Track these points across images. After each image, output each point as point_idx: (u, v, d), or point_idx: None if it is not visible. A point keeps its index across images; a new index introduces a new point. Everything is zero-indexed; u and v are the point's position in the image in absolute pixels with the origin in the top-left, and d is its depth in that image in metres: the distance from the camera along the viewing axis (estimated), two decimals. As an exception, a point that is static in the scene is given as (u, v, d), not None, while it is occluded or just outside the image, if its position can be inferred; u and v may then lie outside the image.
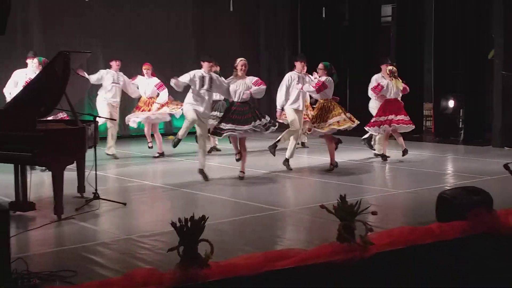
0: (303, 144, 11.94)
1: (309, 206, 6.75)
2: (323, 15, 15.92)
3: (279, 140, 9.37)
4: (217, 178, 8.62)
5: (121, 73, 10.65)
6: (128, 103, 12.16)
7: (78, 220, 6.16)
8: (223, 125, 8.31)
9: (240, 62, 8.52)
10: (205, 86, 8.39)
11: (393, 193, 7.68)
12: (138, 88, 10.86)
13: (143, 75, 10.83)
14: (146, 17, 14.12)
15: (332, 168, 9.16)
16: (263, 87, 8.46)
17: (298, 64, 9.40)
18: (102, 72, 10.54)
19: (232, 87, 8.43)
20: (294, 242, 5.35)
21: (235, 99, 8.43)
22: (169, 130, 13.73)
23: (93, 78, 10.15)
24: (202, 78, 8.39)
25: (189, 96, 8.50)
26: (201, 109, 8.39)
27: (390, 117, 9.93)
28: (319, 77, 9.29)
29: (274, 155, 9.38)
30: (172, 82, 8.39)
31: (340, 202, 4.35)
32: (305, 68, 9.49)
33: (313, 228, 6.05)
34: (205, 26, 15.05)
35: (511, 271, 4.83)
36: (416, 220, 5.86)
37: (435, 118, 13.76)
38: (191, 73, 8.49)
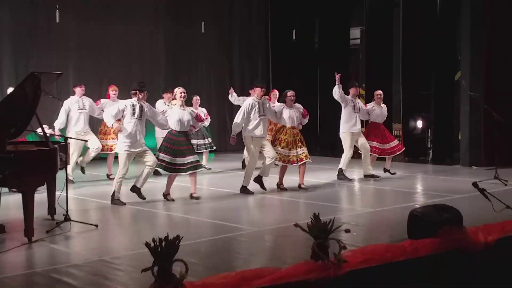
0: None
1: (283, 225, 6.77)
2: (294, 37, 16.12)
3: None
4: (190, 198, 8.58)
5: (86, 98, 10.38)
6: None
7: (49, 242, 6.08)
8: (171, 159, 8.28)
9: (179, 90, 8.53)
10: (136, 115, 8.25)
11: (365, 212, 7.75)
12: (103, 111, 10.56)
13: (108, 98, 10.64)
14: (118, 37, 14.10)
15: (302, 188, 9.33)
16: (204, 123, 8.59)
17: (258, 90, 9.17)
18: (66, 103, 10.10)
19: (175, 117, 8.39)
20: (269, 261, 5.36)
21: (178, 129, 8.39)
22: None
23: (62, 118, 10.00)
24: (132, 107, 8.27)
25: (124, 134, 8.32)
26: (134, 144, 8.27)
27: (380, 145, 10.68)
28: (290, 103, 9.28)
29: (265, 189, 9.20)
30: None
31: (314, 220, 4.39)
32: (264, 93, 9.32)
33: (287, 246, 6.07)
34: (177, 48, 15.08)
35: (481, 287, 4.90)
36: (389, 238, 5.94)
37: (404, 138, 13.96)
38: (121, 103, 8.38)
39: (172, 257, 3.83)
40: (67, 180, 6.97)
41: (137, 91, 8.28)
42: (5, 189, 6.57)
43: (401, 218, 6.12)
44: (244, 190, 9.09)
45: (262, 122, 9.08)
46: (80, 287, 4.64)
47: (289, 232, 6.31)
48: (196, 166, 8.46)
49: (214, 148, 12.19)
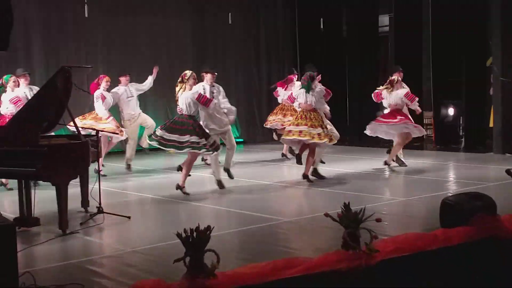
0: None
1: (313, 215, 6.76)
2: (321, 26, 16.01)
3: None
4: (219, 189, 8.62)
5: (133, 84, 10.79)
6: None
7: (83, 234, 6.18)
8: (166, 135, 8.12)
9: (190, 72, 8.36)
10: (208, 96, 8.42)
11: (397, 201, 7.69)
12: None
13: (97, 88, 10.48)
14: (145, 30, 14.16)
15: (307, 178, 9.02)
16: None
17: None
18: (114, 91, 10.49)
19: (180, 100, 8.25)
20: (299, 251, 5.36)
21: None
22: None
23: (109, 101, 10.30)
24: (203, 90, 8.46)
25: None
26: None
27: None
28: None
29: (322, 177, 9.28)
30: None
31: (344, 210, 4.37)
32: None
33: (318, 236, 6.06)
34: (204, 39, 15.09)
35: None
36: (421, 227, 5.89)
37: (435, 126, 13.79)
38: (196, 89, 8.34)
39: (204, 248, 3.86)
40: (99, 173, 7.07)
41: (204, 73, 8.55)
42: (39, 183, 6.69)
43: (433, 206, 6.05)
44: (316, 173, 9.26)
45: None
46: (114, 278, 4.71)
47: (319, 222, 6.30)
48: (195, 146, 8.00)
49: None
